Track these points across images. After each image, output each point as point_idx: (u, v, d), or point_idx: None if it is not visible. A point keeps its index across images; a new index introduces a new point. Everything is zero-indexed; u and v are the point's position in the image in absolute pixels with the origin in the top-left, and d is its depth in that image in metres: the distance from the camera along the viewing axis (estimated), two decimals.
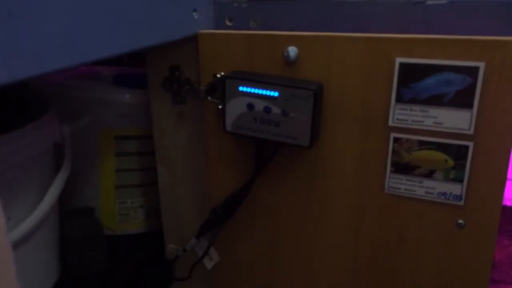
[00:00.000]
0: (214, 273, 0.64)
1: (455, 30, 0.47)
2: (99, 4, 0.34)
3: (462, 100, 0.45)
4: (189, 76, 0.57)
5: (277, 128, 0.50)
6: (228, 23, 0.56)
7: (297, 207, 0.56)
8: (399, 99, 0.48)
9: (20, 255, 0.51)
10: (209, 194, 0.60)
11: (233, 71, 0.52)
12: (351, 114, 0.50)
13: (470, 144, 0.47)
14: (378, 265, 0.55)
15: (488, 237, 0.49)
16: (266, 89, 0.49)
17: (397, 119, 0.48)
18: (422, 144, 0.48)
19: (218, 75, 0.54)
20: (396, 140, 0.49)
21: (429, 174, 0.49)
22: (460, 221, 0.49)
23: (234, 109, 0.51)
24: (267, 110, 0.50)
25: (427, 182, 0.49)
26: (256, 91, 0.50)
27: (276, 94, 0.49)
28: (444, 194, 0.49)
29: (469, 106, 0.45)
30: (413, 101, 0.47)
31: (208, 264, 0.63)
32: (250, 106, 0.50)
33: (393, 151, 0.50)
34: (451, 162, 0.48)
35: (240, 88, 0.50)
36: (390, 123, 0.49)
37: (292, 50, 0.49)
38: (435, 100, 0.46)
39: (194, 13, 0.51)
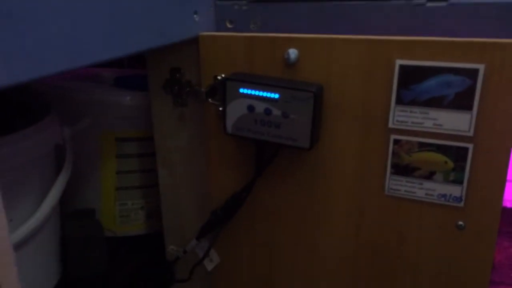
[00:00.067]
0: (215, 274, 0.64)
1: (454, 32, 0.47)
2: (100, 6, 0.35)
3: (462, 102, 0.45)
4: (189, 78, 0.57)
5: (278, 130, 0.50)
6: (228, 26, 0.56)
7: (297, 209, 0.57)
8: (399, 101, 0.48)
9: (22, 256, 0.51)
10: (210, 196, 0.60)
11: (234, 73, 0.52)
12: (351, 116, 0.50)
13: (470, 146, 0.47)
14: (378, 267, 0.55)
15: (488, 238, 0.49)
16: (267, 91, 0.49)
17: (397, 121, 0.48)
18: (422, 146, 0.48)
19: (219, 77, 0.54)
20: (396, 142, 0.49)
21: (429, 176, 0.49)
22: (460, 222, 0.49)
23: (234, 111, 0.52)
24: (267, 112, 0.50)
25: (427, 184, 0.49)
26: (257, 93, 0.50)
27: (276, 96, 0.49)
28: (444, 195, 0.49)
29: (469, 108, 0.45)
30: (413, 103, 0.47)
31: (209, 265, 0.63)
32: (251, 108, 0.51)
33: (393, 152, 0.50)
34: (451, 164, 0.48)
35: (241, 90, 0.50)
36: (390, 125, 0.49)
37: (293, 52, 0.49)
38: (435, 102, 0.46)
39: (194, 16, 0.51)
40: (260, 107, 0.50)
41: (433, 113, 0.47)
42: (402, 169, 0.50)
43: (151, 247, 0.72)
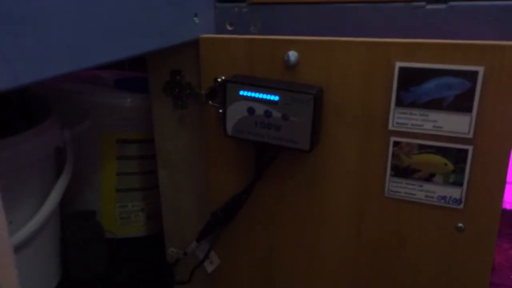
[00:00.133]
0: (215, 276, 0.64)
1: (454, 35, 0.47)
2: (101, 9, 0.35)
3: (462, 104, 0.46)
4: (190, 80, 0.58)
5: (278, 132, 0.50)
6: (228, 28, 0.56)
7: (298, 211, 0.57)
8: (399, 103, 0.48)
9: (22, 258, 0.51)
10: (210, 198, 0.60)
11: (234, 76, 0.53)
12: (351, 118, 0.50)
13: (470, 148, 0.47)
14: (378, 268, 0.55)
15: (488, 240, 0.49)
16: (267, 93, 0.49)
17: (397, 123, 0.49)
18: (422, 148, 0.48)
19: (219, 80, 0.54)
20: (396, 144, 0.49)
21: (429, 178, 0.49)
22: (460, 224, 0.49)
23: (234, 113, 0.52)
24: (267, 114, 0.50)
25: (427, 186, 0.50)
26: (257, 95, 0.50)
27: (276, 98, 0.49)
28: (444, 197, 0.49)
29: (469, 110, 0.45)
30: (413, 105, 0.47)
31: (209, 267, 0.63)
32: (251, 110, 0.51)
33: (393, 154, 0.50)
34: (450, 166, 0.48)
35: (241, 92, 0.50)
36: (390, 127, 0.49)
37: (293, 55, 0.49)
38: (435, 104, 0.46)
39: (195, 18, 0.52)
40: (260, 109, 0.50)
41: (433, 115, 0.47)
42: (402, 171, 0.50)
43: (151, 249, 0.72)
